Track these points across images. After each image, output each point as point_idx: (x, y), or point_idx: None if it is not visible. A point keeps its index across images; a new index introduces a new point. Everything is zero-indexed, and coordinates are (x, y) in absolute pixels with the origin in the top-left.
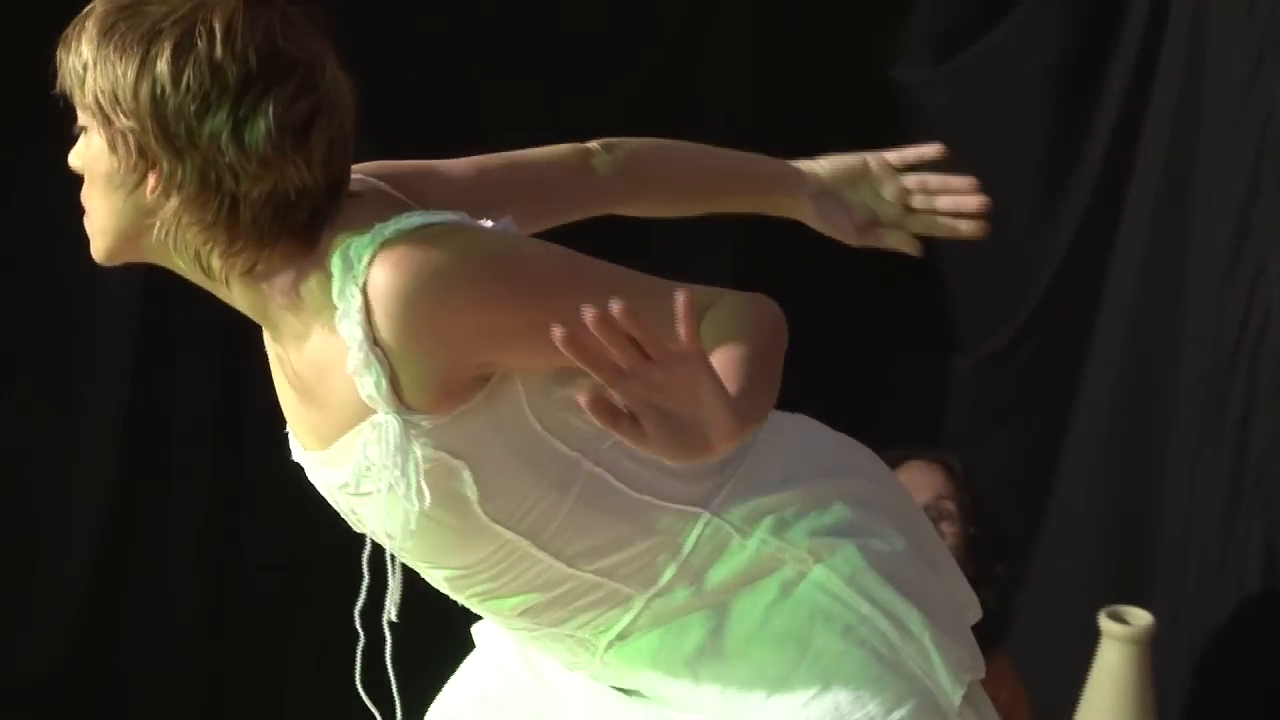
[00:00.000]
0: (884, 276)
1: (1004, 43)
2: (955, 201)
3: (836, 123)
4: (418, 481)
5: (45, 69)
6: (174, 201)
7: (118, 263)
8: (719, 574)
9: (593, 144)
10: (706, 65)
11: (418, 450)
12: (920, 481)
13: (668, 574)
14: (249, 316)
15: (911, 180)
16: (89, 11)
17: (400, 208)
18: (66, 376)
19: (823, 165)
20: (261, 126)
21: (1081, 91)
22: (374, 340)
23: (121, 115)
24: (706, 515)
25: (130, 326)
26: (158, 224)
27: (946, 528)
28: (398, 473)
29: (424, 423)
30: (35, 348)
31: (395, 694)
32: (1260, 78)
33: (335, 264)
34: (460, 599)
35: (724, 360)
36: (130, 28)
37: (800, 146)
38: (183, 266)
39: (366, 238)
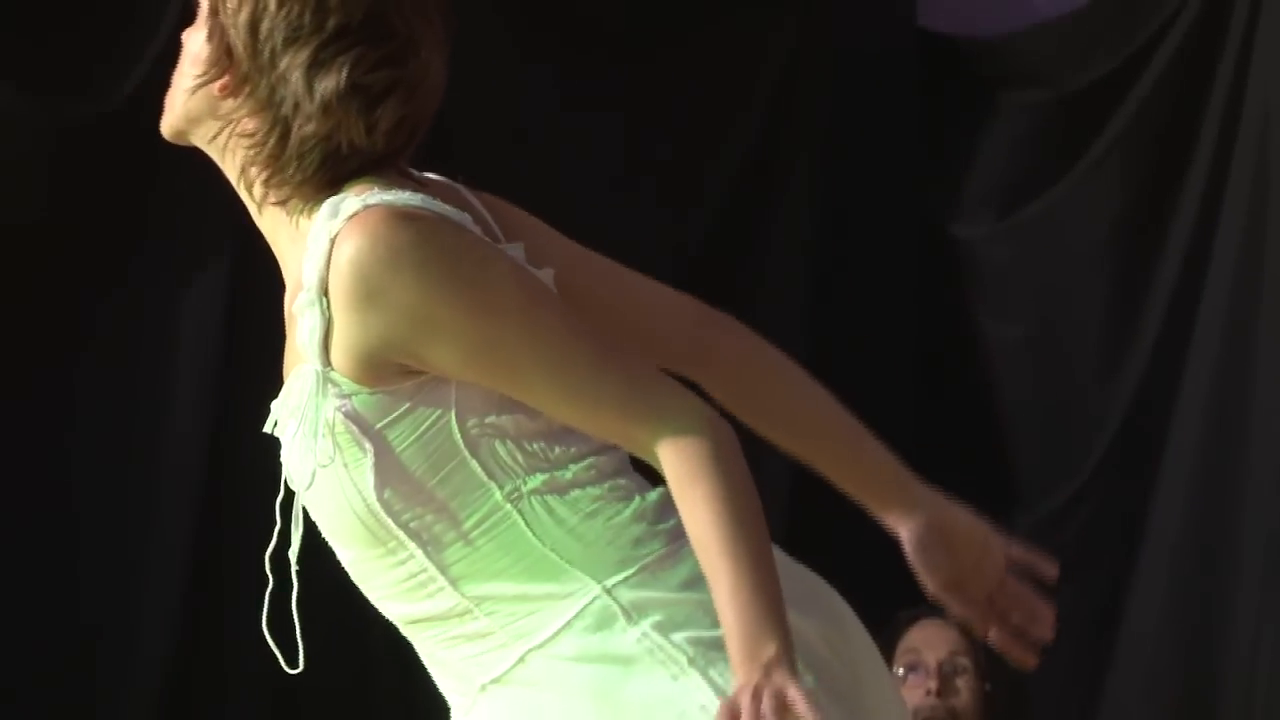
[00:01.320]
0: (943, 430)
1: (1065, 199)
2: (1027, 619)
3: (898, 277)
4: (320, 435)
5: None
6: (235, 108)
7: (180, 143)
8: (597, 649)
9: (714, 317)
10: (768, 220)
11: (329, 409)
12: (935, 638)
13: (547, 632)
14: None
15: (1010, 580)
16: None
17: (455, 203)
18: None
19: (951, 506)
20: (333, 79)
21: (1143, 247)
22: (324, 290)
23: (226, 11)
24: (599, 590)
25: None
26: (218, 121)
27: (962, 683)
28: (304, 422)
29: (342, 385)
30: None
31: (299, 639)
32: None
33: (323, 209)
34: (363, 590)
35: (725, 587)
36: None
37: (860, 301)
38: (229, 172)
39: (363, 198)
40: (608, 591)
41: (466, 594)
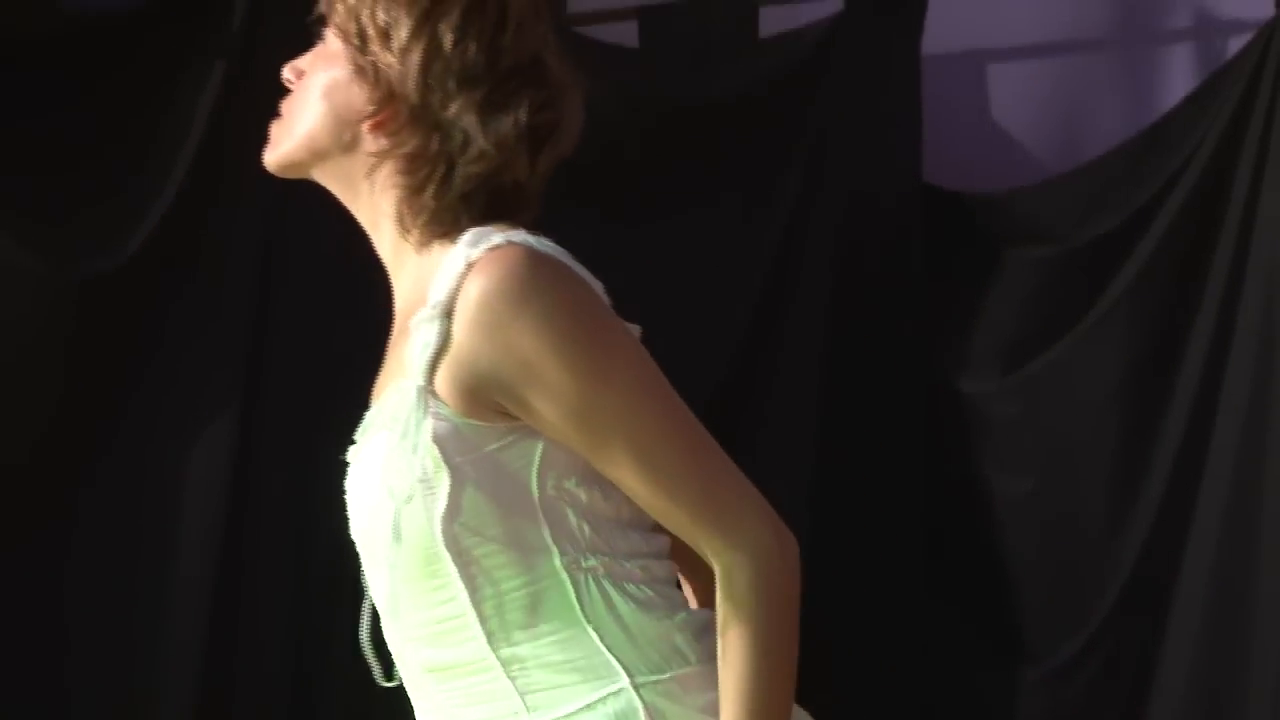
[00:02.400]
0: (952, 582)
1: (1071, 353)
2: None
3: (905, 432)
4: (419, 451)
5: None
6: (388, 146)
7: (288, 175)
8: None
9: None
10: (773, 375)
11: (426, 427)
12: None
13: (565, 709)
14: (382, 260)
15: None
16: None
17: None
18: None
19: None
20: (509, 119)
21: (1149, 401)
22: (448, 311)
23: (386, 52)
24: (628, 683)
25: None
26: (356, 156)
27: None
28: (406, 436)
29: (440, 407)
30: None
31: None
32: None
33: (467, 235)
34: (389, 631)
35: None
36: None
37: (868, 455)
38: (360, 203)
39: (506, 234)
40: (636, 688)
41: (497, 650)
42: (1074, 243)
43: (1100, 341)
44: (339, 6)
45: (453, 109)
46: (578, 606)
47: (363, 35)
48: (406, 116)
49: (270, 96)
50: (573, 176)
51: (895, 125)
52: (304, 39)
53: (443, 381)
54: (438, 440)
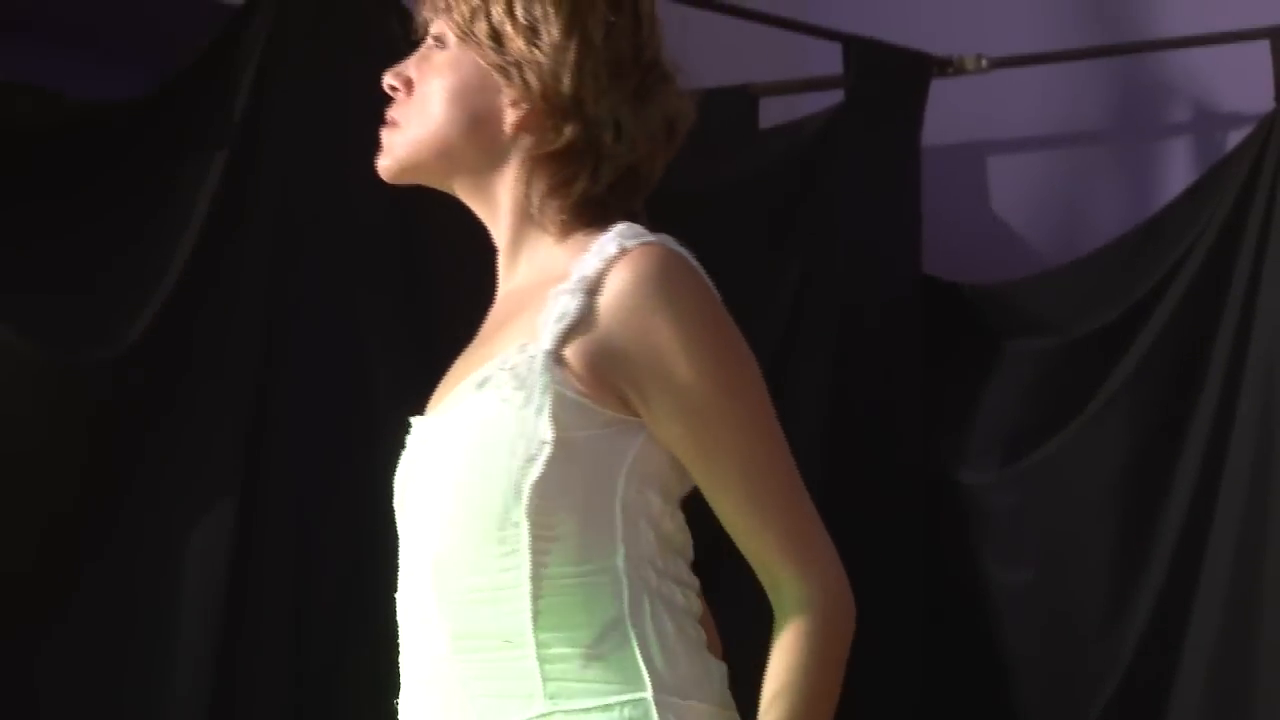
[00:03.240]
0: (949, 677)
1: (1070, 445)
2: None
3: (904, 524)
4: (544, 411)
5: None
6: (536, 142)
7: (404, 181)
8: None
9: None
10: None
11: (550, 387)
12: None
13: (582, 704)
14: (496, 244)
15: None
16: None
17: None
18: None
19: None
20: (656, 110)
21: (1148, 494)
22: (594, 290)
23: (534, 50)
24: (651, 693)
25: None
26: (489, 154)
27: None
28: (531, 393)
29: (563, 379)
30: None
31: None
32: None
33: (619, 227)
34: (419, 598)
35: None
36: None
37: (867, 547)
38: (476, 193)
39: (660, 236)
40: (656, 703)
41: (538, 629)
42: (1073, 334)
43: (1099, 434)
44: (461, 10)
45: (605, 102)
46: (627, 610)
47: (498, 35)
48: (556, 112)
49: (270, 185)
50: None
51: (895, 216)
52: (306, 129)
53: (572, 354)
54: (554, 408)
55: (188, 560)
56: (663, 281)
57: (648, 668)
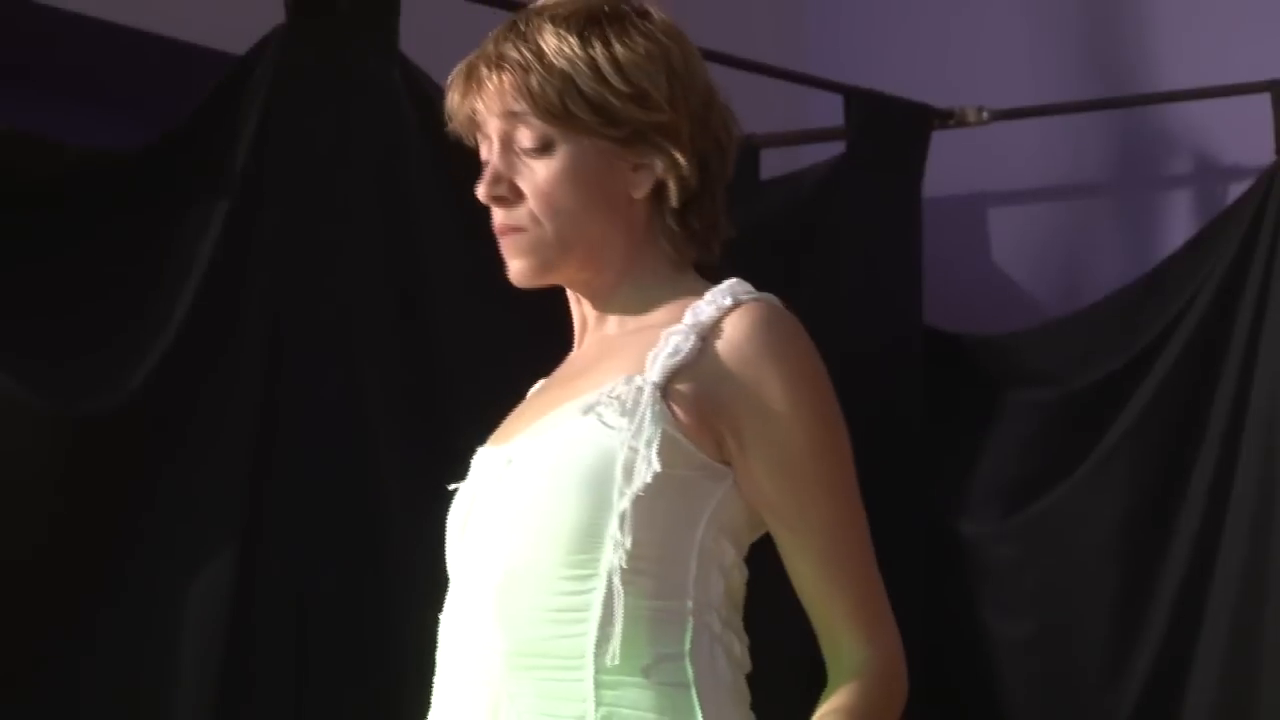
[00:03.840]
0: None
1: (1071, 497)
2: None
3: (903, 574)
4: (651, 445)
5: None
6: (659, 196)
7: (540, 284)
8: None
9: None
10: None
11: (657, 420)
12: None
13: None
14: (587, 300)
15: None
16: (537, 23)
17: None
18: None
19: None
20: (733, 142)
21: (1149, 546)
22: (707, 335)
23: (653, 113)
24: None
25: None
26: (620, 222)
27: None
28: (640, 426)
29: (666, 414)
30: None
31: None
32: None
33: (731, 281)
34: (478, 612)
35: None
36: (622, 28)
37: None
38: (593, 256)
39: (768, 295)
40: None
41: (600, 654)
42: (1074, 386)
43: (1100, 485)
44: (543, 95)
45: (712, 142)
46: (689, 648)
47: (602, 109)
48: (682, 165)
49: (271, 235)
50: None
51: (896, 267)
52: (306, 180)
53: (679, 392)
54: (660, 441)
55: (189, 607)
56: (778, 338)
57: (701, 706)
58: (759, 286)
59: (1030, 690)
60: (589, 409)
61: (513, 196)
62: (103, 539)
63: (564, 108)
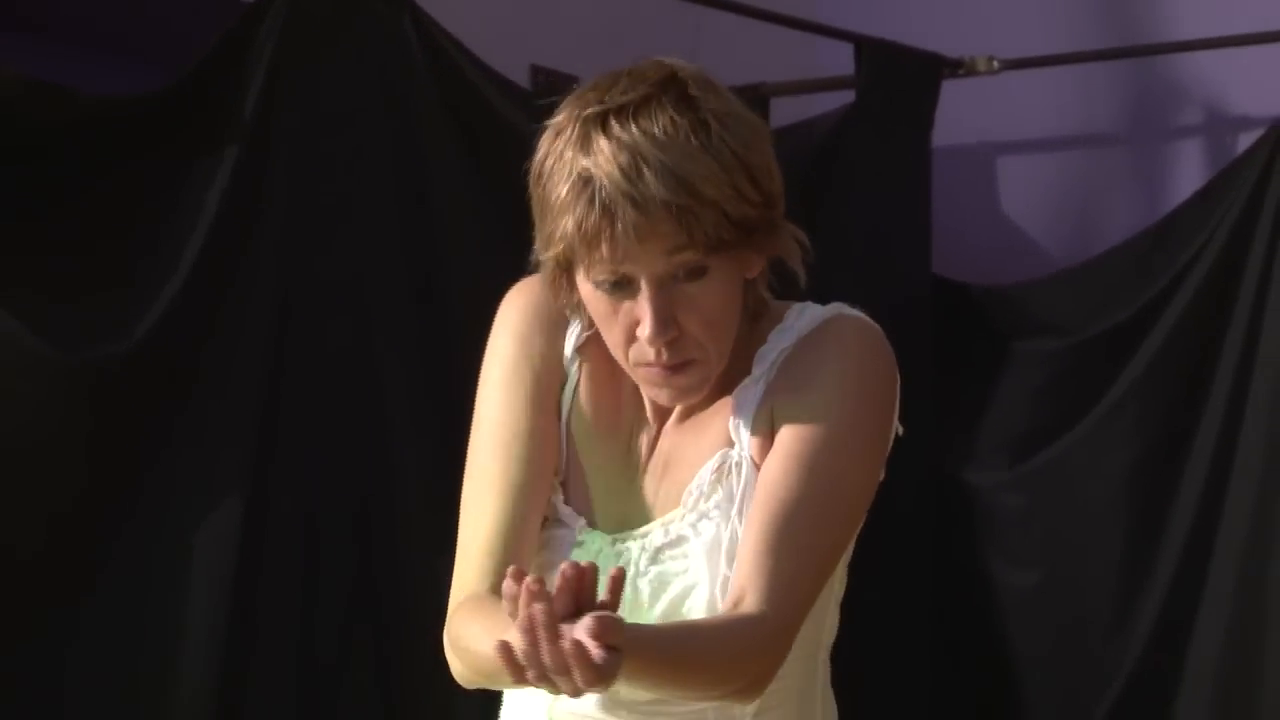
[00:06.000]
0: (956, 678)
1: (1079, 446)
2: None
3: (912, 524)
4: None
5: None
6: (755, 281)
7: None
8: None
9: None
10: None
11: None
12: None
13: None
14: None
15: None
16: (666, 131)
17: None
18: None
19: None
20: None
21: (1157, 495)
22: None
23: (771, 208)
24: None
25: None
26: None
27: None
28: (737, 505)
29: (752, 474)
30: None
31: None
32: None
33: (793, 310)
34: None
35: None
36: (724, 122)
37: (874, 550)
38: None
39: (835, 305)
40: None
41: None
42: (1082, 336)
43: (1108, 434)
44: (703, 233)
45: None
46: (818, 682)
47: (745, 225)
48: (804, 240)
49: (281, 183)
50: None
51: (905, 216)
52: (315, 128)
53: (756, 439)
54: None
55: (196, 555)
56: (870, 341)
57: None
58: None
59: (1037, 638)
60: (702, 513)
61: (678, 332)
62: (109, 484)
63: (720, 239)
